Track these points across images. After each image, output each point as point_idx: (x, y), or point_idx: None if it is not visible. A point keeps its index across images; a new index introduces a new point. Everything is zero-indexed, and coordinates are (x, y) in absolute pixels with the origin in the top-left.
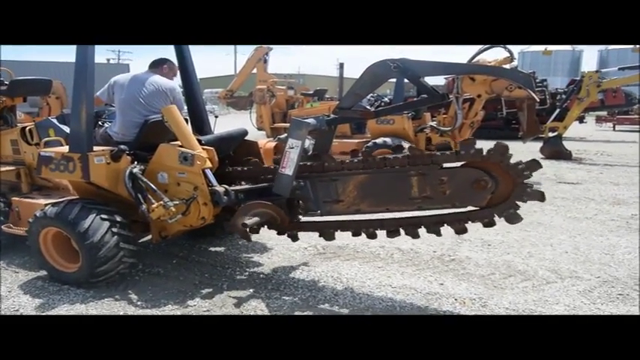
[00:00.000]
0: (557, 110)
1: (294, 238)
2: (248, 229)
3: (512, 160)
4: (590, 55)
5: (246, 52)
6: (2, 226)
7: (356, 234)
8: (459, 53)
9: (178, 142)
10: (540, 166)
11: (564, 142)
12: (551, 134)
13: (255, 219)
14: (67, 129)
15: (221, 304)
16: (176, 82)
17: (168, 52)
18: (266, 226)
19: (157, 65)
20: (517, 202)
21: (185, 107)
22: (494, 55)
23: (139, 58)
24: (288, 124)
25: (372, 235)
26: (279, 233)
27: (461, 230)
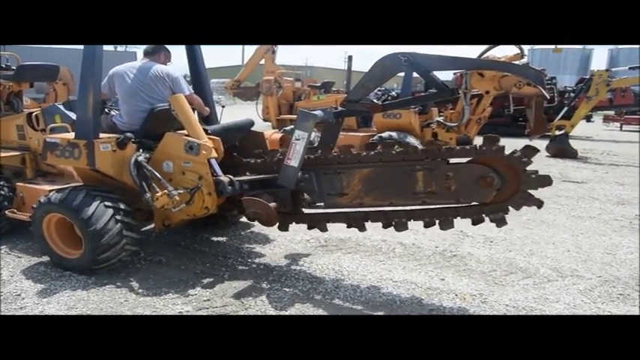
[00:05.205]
0: (565, 108)
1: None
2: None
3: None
4: (600, 54)
5: None
6: (6, 211)
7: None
8: (466, 49)
9: (184, 131)
10: (537, 150)
11: (571, 141)
12: (558, 132)
13: (273, 204)
14: (73, 115)
15: (222, 294)
16: (172, 67)
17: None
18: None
19: (153, 53)
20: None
21: (190, 87)
22: (504, 51)
23: (145, 46)
24: (294, 116)
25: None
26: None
27: (478, 220)
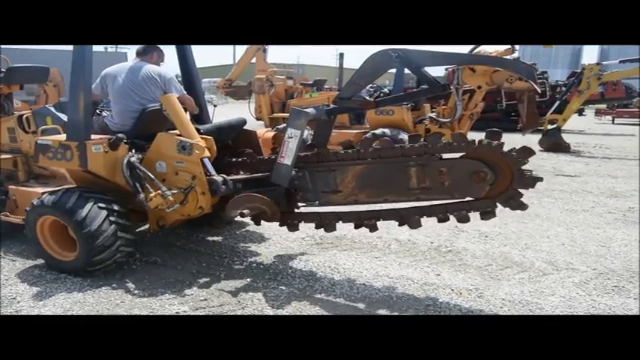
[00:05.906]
0: (557, 102)
1: (294, 229)
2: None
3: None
4: (591, 48)
5: None
6: None
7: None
8: (457, 48)
9: (177, 131)
10: (533, 153)
11: (563, 135)
12: (550, 127)
13: (247, 211)
14: (64, 117)
15: (218, 294)
16: (164, 67)
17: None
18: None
19: (145, 53)
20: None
21: (182, 88)
22: (495, 46)
23: (136, 47)
24: (286, 114)
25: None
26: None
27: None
